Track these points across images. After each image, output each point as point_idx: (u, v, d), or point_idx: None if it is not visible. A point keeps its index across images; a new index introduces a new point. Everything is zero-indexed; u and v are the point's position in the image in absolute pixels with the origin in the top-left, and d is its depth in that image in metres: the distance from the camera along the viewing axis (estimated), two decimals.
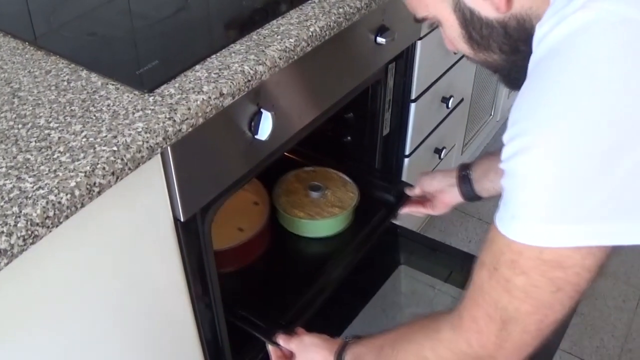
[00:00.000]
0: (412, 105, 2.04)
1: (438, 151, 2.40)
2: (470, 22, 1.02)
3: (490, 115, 3.01)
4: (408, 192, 1.87)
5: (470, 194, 1.66)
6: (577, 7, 0.83)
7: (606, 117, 0.79)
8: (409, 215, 2.27)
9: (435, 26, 1.13)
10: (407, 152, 2.17)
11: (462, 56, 2.23)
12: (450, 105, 2.27)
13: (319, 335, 1.47)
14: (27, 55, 1.29)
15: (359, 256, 1.87)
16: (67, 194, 0.95)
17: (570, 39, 0.83)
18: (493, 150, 1.44)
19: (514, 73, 1.07)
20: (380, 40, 1.66)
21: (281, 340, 1.51)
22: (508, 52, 1.03)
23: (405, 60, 1.91)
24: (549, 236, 0.86)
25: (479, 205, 2.95)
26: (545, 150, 0.83)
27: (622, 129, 0.79)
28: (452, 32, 1.07)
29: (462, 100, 2.46)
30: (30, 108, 1.13)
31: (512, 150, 0.87)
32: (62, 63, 1.26)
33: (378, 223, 1.96)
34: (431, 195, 1.80)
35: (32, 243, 0.92)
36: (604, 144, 0.80)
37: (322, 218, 1.91)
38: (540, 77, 0.87)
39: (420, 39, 1.91)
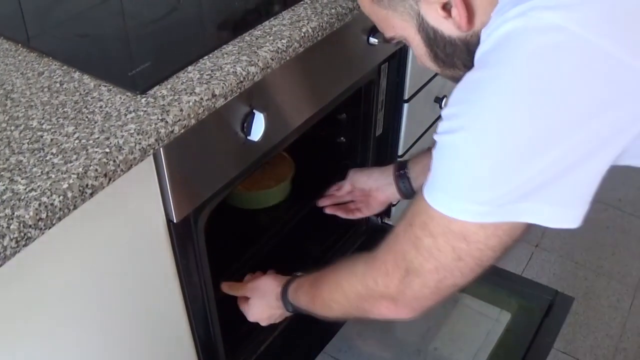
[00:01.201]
0: (405, 106, 2.04)
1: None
2: (434, 41, 1.07)
3: None
4: (334, 191, 1.86)
5: (408, 192, 1.68)
6: (518, 13, 0.89)
7: (529, 116, 0.87)
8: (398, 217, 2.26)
9: (402, 44, 1.20)
10: (400, 153, 2.16)
11: None
12: (443, 105, 2.27)
13: (269, 273, 1.61)
14: (19, 57, 1.29)
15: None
16: (59, 196, 0.95)
17: (509, 38, 0.89)
18: (430, 147, 1.44)
19: None
20: (372, 40, 1.66)
21: (226, 287, 1.66)
22: (471, 68, 1.05)
23: (398, 60, 1.91)
24: (458, 209, 0.95)
25: None
26: (473, 134, 0.91)
27: (542, 128, 0.87)
28: (419, 50, 1.12)
29: None
30: (23, 110, 1.13)
31: (446, 127, 0.95)
32: (55, 64, 1.26)
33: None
34: (365, 193, 1.79)
35: (25, 245, 0.92)
36: (523, 139, 0.88)
37: (258, 190, 2.05)
38: (483, 68, 0.92)
39: None
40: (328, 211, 1.84)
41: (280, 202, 2.09)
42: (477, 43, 0.98)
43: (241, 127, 1.33)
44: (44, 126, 1.09)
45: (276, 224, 2.01)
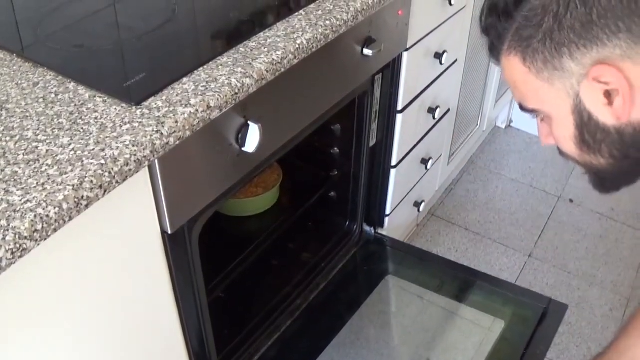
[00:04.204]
0: (399, 116, 2.04)
1: (424, 162, 2.41)
2: (586, 125, 1.01)
3: (477, 125, 3.02)
4: None
5: None
6: None
7: None
8: (394, 225, 2.28)
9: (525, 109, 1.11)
10: (393, 163, 2.17)
11: (449, 67, 2.26)
12: (436, 116, 2.28)
13: None
14: (14, 67, 1.29)
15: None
16: (55, 208, 0.95)
17: None
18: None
19: (614, 178, 1.09)
20: (366, 51, 1.67)
21: None
22: (618, 158, 1.02)
23: (391, 71, 1.92)
24: None
25: (464, 215, 2.97)
26: None
27: None
28: (563, 131, 1.06)
29: (448, 110, 2.47)
30: (18, 120, 1.13)
31: None
32: (50, 75, 1.26)
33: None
34: None
35: (21, 256, 0.92)
36: None
37: (246, 197, 2.04)
38: None
39: (407, 50, 1.92)
40: None
41: (268, 210, 2.09)
42: (632, 134, 0.96)
43: (236, 139, 1.33)
44: (39, 137, 1.09)
45: (264, 231, 2.00)
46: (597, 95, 0.96)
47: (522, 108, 1.10)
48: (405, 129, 2.11)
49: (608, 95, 0.95)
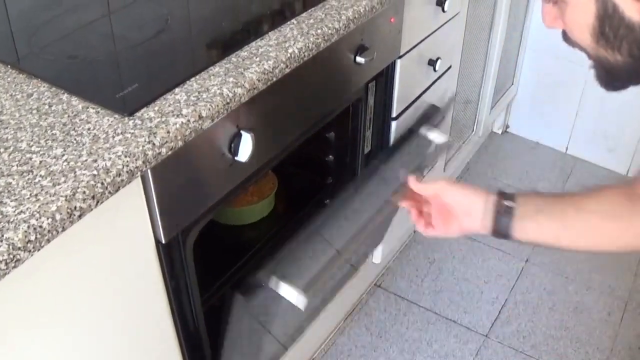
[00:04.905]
0: (393, 123, 2.05)
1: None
2: (609, 17, 0.96)
3: (472, 131, 3.03)
4: (413, 184, 1.43)
5: (503, 230, 1.34)
6: None
7: None
8: (391, 232, 2.27)
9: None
10: None
11: (443, 73, 2.26)
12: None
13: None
14: (9, 78, 1.30)
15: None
16: (48, 218, 0.96)
17: None
18: (544, 193, 1.35)
19: (625, 77, 1.04)
20: (359, 59, 1.68)
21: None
22: (637, 57, 0.98)
23: (385, 78, 1.93)
24: None
25: None
26: None
27: None
28: (580, 18, 1.00)
29: (443, 117, 2.47)
30: (12, 132, 1.14)
31: None
32: (44, 86, 1.26)
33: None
34: (445, 210, 1.42)
35: (15, 267, 0.93)
36: None
37: (241, 206, 2.03)
38: None
39: (400, 57, 1.93)
40: (403, 204, 1.50)
41: (264, 218, 2.09)
42: None
43: (228, 148, 1.34)
44: (32, 148, 1.09)
45: (260, 239, 2.00)
46: None
47: None
48: (399, 136, 2.12)
49: None
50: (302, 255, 1.39)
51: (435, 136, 1.59)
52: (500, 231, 1.33)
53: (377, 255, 2.43)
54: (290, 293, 1.29)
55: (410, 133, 1.61)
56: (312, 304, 1.37)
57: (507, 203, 1.32)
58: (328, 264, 1.41)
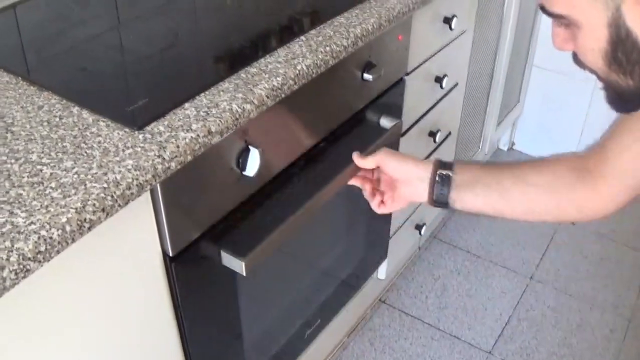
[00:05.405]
0: (400, 140, 2.06)
1: None
2: (622, 42, 0.95)
3: (479, 148, 3.04)
4: (357, 159, 1.44)
5: (441, 199, 1.36)
6: None
7: None
8: (396, 248, 2.28)
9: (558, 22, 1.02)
10: None
11: (449, 90, 2.27)
12: (437, 139, 2.30)
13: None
14: (20, 90, 1.31)
15: None
16: (58, 230, 0.97)
17: None
18: (485, 163, 1.37)
19: (634, 100, 1.03)
20: (367, 76, 1.69)
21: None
22: None
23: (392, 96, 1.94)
24: None
25: (466, 238, 2.98)
26: None
27: None
28: (592, 43, 0.98)
29: (449, 134, 2.49)
30: (23, 143, 1.15)
31: None
32: (55, 99, 1.27)
33: None
34: (389, 181, 1.45)
35: (24, 277, 0.94)
36: None
37: None
38: None
39: (407, 74, 1.94)
40: (352, 181, 1.50)
41: None
42: None
43: (237, 163, 1.35)
44: (43, 160, 1.11)
45: None
46: None
47: (545, 11, 1.00)
48: (406, 152, 2.12)
49: None
50: None
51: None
52: (439, 201, 1.35)
53: (382, 271, 2.44)
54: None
55: None
56: None
57: (444, 172, 1.35)
58: None
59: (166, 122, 1.20)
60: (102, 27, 1.59)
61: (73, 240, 1.00)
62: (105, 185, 1.05)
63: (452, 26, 2.08)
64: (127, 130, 1.18)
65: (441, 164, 1.37)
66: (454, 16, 2.07)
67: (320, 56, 1.45)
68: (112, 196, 1.04)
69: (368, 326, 2.56)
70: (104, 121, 1.21)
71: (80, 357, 1.19)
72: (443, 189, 1.34)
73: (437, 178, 1.35)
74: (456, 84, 2.38)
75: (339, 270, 2.11)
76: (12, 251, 0.92)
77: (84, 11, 1.67)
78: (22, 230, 0.96)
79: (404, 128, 2.05)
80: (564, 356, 2.51)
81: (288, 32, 1.55)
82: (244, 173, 1.36)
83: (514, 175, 1.33)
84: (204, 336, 1.49)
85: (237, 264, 1.37)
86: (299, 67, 1.40)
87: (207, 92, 1.30)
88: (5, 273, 0.91)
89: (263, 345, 1.81)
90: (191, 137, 1.17)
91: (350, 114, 1.74)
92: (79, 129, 1.19)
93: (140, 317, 1.29)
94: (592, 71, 1.03)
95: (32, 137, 1.17)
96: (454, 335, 2.56)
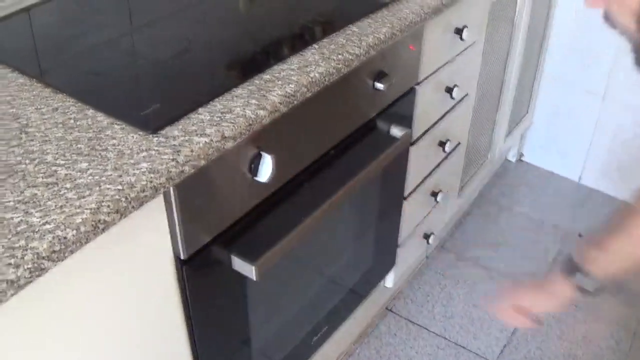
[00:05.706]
0: (410, 149, 2.07)
1: (434, 194, 2.42)
2: None
3: (487, 158, 3.04)
4: None
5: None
6: None
7: None
8: (404, 256, 2.29)
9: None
10: (405, 195, 2.19)
11: (459, 101, 2.28)
12: (447, 149, 2.31)
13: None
14: (34, 92, 1.32)
15: None
16: (73, 230, 0.98)
17: None
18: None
19: None
20: (378, 85, 1.70)
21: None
22: None
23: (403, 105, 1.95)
24: None
25: (474, 249, 2.97)
26: None
27: None
28: (626, 2, 0.97)
29: (458, 144, 2.49)
30: (38, 144, 1.16)
31: None
32: (69, 101, 1.29)
33: None
34: None
35: (39, 276, 0.95)
36: None
37: None
38: None
39: (418, 84, 1.95)
40: None
41: None
42: None
43: (249, 168, 1.36)
44: (58, 161, 1.12)
45: None
46: None
47: None
48: (416, 161, 2.14)
49: None
50: None
51: None
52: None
53: (389, 280, 2.45)
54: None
55: None
56: None
57: None
58: None
59: (180, 127, 1.21)
60: (115, 32, 1.60)
61: (87, 241, 1.01)
62: (119, 187, 1.06)
63: (463, 37, 2.09)
64: (141, 133, 1.19)
65: None
66: (465, 27, 2.08)
67: (332, 64, 1.46)
68: (126, 198, 1.05)
69: (374, 334, 2.56)
70: (118, 124, 1.22)
71: (89, 358, 1.19)
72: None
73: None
74: (466, 95, 2.39)
75: (347, 277, 2.11)
76: (27, 250, 0.94)
77: (97, 16, 1.68)
78: (37, 230, 0.97)
79: (414, 137, 2.06)
80: None
81: (301, 40, 1.56)
82: (256, 179, 1.37)
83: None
84: (212, 340, 1.50)
85: (248, 269, 1.38)
86: (312, 75, 1.41)
87: (221, 98, 1.31)
88: (20, 271, 0.91)
89: (270, 351, 1.81)
90: (205, 141, 1.18)
91: (361, 122, 1.74)
92: (94, 131, 1.20)
93: (150, 318, 1.30)
94: (623, 31, 1.01)
95: (47, 139, 1.18)
96: (459, 344, 2.56)
